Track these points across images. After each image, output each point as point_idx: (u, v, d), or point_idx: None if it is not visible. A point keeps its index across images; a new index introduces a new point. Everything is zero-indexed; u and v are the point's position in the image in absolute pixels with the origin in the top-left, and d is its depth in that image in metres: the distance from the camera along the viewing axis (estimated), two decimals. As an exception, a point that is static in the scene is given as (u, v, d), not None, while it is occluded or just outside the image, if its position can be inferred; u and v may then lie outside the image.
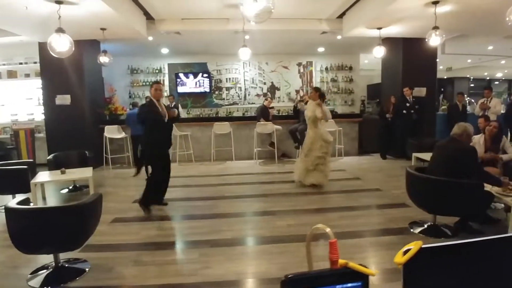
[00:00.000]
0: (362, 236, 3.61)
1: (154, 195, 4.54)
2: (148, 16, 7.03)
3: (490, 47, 9.55)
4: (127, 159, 8.09)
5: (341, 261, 0.93)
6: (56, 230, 2.64)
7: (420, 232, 3.59)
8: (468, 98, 12.94)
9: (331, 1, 6.41)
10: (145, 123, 4.41)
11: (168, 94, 10.45)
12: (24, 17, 5.30)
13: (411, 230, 3.67)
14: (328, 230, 0.97)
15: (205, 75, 10.67)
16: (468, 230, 3.52)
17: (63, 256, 3.00)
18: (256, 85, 11.04)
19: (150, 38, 7.80)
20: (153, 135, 4.37)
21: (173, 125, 4.95)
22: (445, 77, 14.81)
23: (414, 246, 0.98)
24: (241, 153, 8.34)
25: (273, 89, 11.09)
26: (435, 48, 7.54)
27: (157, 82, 4.58)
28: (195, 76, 10.65)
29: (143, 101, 9.94)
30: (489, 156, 4.24)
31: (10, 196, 4.62)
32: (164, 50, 9.76)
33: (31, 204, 3.85)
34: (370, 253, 3.23)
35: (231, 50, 8.40)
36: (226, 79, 10.95)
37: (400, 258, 0.98)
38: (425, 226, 3.68)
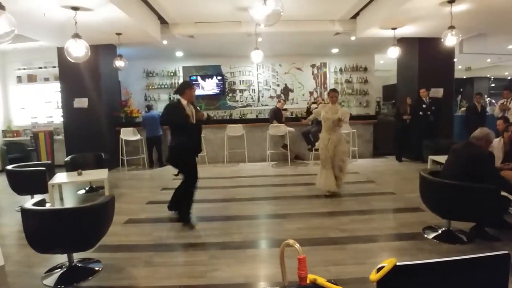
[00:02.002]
0: (373, 241, 3.55)
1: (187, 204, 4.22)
2: (162, 21, 7.14)
3: (510, 46, 9.25)
4: (142, 161, 8.24)
5: (310, 277, 0.92)
6: (68, 231, 2.71)
7: (434, 238, 3.50)
8: (489, 98, 12.56)
9: (344, 1, 6.36)
10: (169, 124, 4.20)
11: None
12: (42, 23, 5.48)
13: (425, 235, 3.58)
14: (297, 246, 0.97)
15: (219, 77, 10.75)
16: (484, 236, 3.42)
17: (77, 256, 3.09)
18: (270, 87, 11.03)
19: (165, 42, 7.93)
20: (179, 139, 4.03)
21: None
22: (464, 77, 14.42)
23: (388, 264, 0.96)
24: (254, 155, 8.36)
25: (286, 91, 11.05)
26: (453, 48, 7.34)
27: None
28: (210, 78, 10.74)
29: (159, 104, 10.13)
30: (507, 167, 4.06)
31: (29, 196, 4.78)
32: (179, 53, 9.90)
33: (48, 204, 3.97)
34: (381, 259, 3.15)
35: (244, 53, 8.43)
36: (240, 81, 10.99)
37: (373, 276, 0.95)
38: (439, 231, 3.58)
